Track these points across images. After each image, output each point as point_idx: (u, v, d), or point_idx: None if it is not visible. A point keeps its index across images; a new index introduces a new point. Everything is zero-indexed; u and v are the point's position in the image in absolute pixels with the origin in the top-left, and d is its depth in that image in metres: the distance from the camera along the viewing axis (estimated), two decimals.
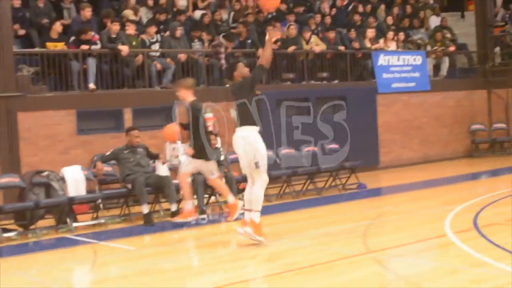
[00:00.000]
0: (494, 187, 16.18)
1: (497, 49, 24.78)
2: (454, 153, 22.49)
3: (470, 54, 25.30)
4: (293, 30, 19.54)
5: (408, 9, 25.46)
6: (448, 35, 24.42)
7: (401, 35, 22.54)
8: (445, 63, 23.27)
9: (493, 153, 22.91)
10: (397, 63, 21.31)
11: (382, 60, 21.00)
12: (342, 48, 20.43)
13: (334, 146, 17.15)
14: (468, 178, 18.14)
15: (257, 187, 10.25)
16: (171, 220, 12.61)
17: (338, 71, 20.36)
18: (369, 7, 24.06)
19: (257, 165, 10.15)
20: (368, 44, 21.23)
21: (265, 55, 10.23)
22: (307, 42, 19.81)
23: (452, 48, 23.78)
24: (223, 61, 18.02)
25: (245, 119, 10.22)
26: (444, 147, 22.33)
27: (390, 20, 23.54)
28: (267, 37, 10.31)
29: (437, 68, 23.20)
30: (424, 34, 24.46)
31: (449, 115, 22.55)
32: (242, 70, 10.46)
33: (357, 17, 22.68)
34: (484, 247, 9.40)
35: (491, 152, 22.93)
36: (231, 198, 12.16)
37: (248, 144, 10.15)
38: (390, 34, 22.00)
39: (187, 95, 12.16)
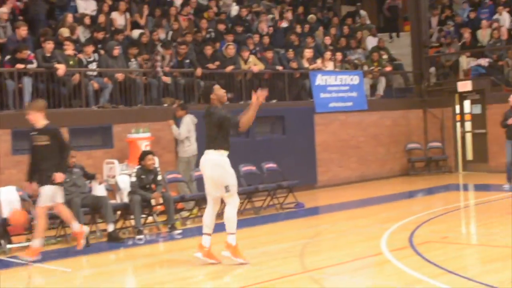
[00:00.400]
0: (430, 205, 16.43)
1: (432, 69, 25.21)
2: (390, 172, 22.75)
3: (406, 74, 25.70)
4: (231, 50, 19.58)
5: (345, 29, 25.77)
6: (385, 56, 24.76)
7: (339, 55, 22.76)
8: (382, 83, 23.57)
9: (429, 171, 23.24)
10: (334, 83, 21.49)
11: (319, 80, 21.15)
12: (280, 68, 20.55)
13: (271, 165, 17.21)
14: (405, 197, 18.34)
15: (229, 209, 10.18)
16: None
17: (276, 91, 20.42)
18: (307, 27, 24.29)
19: (227, 189, 10.09)
20: (305, 64, 21.38)
21: (247, 118, 10.08)
22: (245, 62, 19.88)
23: (388, 68, 24.13)
24: (159, 69, 17.98)
25: (214, 143, 10.14)
26: (381, 166, 22.58)
27: (327, 40, 23.80)
28: (253, 99, 10.14)
29: (374, 87, 23.47)
30: (361, 54, 24.76)
31: (386, 134, 22.82)
32: (219, 92, 10.37)
33: (294, 38, 22.84)
34: (419, 265, 9.54)
35: (427, 171, 23.25)
36: (75, 226, 11.84)
37: (217, 167, 10.08)
38: (328, 54, 22.21)
39: (38, 118, 11.62)
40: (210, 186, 10.25)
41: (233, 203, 10.20)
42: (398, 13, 30.38)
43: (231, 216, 10.14)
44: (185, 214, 15.14)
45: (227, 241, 10.14)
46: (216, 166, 10.06)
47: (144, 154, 14.07)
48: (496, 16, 25.17)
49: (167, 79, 18.00)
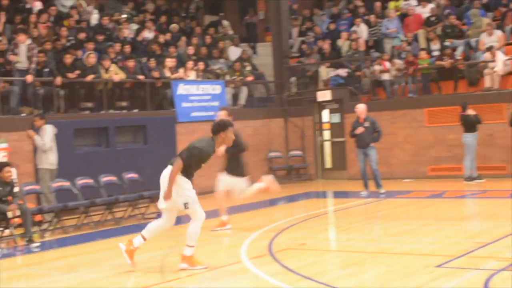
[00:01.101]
0: (290, 212, 16.72)
1: (293, 79, 25.71)
2: (252, 180, 22.81)
3: (268, 84, 26.06)
4: (92, 58, 19.30)
5: (208, 39, 25.89)
6: (249, 68, 25.03)
7: (201, 65, 22.83)
8: (244, 93, 23.81)
9: (290, 179, 23.62)
10: (196, 92, 21.54)
11: (181, 89, 21.14)
12: (141, 77, 20.41)
13: (133, 175, 17.07)
14: (266, 205, 18.52)
15: (193, 224, 10.08)
16: None
17: (137, 100, 20.31)
18: (169, 36, 24.29)
19: (185, 206, 9.96)
20: (168, 73, 21.34)
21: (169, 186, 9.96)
22: (106, 70, 19.65)
23: (250, 78, 24.40)
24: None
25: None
26: None
27: (190, 50, 23.82)
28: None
29: (236, 97, 23.68)
30: (224, 64, 24.94)
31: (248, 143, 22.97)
32: (229, 134, 10.12)
33: (156, 47, 22.79)
34: (277, 271, 9.70)
35: (288, 179, 23.60)
36: None
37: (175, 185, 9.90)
38: (190, 64, 22.25)
39: None
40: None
41: (197, 218, 10.06)
42: (256, 29, 30.75)
43: (193, 230, 10.05)
44: (45, 226, 14.82)
45: (183, 253, 10.09)
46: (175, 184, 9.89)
47: (1, 166, 13.68)
48: (354, 28, 25.94)
49: (15, 58, 17.71)
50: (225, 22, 28.81)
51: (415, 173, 21.90)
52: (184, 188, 9.98)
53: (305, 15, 29.23)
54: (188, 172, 10.02)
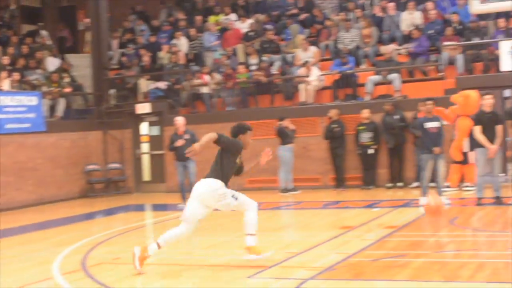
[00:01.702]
0: (108, 226, 16.50)
1: (112, 91, 25.42)
2: (69, 194, 22.52)
3: (86, 95, 25.67)
4: None
5: (25, 49, 25.20)
6: (66, 77, 24.55)
7: (16, 75, 22.19)
8: (61, 104, 23.32)
9: (108, 192, 23.37)
10: (10, 104, 20.88)
11: None
12: None
13: None
14: (82, 219, 18.20)
15: (249, 213, 10.15)
16: None
17: None
18: None
19: (234, 196, 10.15)
20: None
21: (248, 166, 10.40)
22: None
23: (68, 89, 23.95)
24: None
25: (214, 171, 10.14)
26: (59, 188, 22.26)
27: (5, 60, 23.10)
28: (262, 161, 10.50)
29: (53, 109, 23.15)
30: (41, 75, 24.33)
31: (65, 156, 22.60)
32: (248, 139, 10.22)
33: None
34: (89, 286, 9.55)
35: (106, 192, 23.36)
36: None
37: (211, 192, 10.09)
38: (4, 74, 21.57)
39: None
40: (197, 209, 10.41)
41: (249, 207, 10.22)
42: (65, 44, 30.28)
43: (250, 218, 10.18)
44: None
45: (247, 244, 10.20)
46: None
47: None
48: (174, 41, 26.03)
49: None
50: (44, 32, 28.14)
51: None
52: (221, 193, 10.17)
53: (126, 27, 29.02)
54: (224, 173, 10.20)
